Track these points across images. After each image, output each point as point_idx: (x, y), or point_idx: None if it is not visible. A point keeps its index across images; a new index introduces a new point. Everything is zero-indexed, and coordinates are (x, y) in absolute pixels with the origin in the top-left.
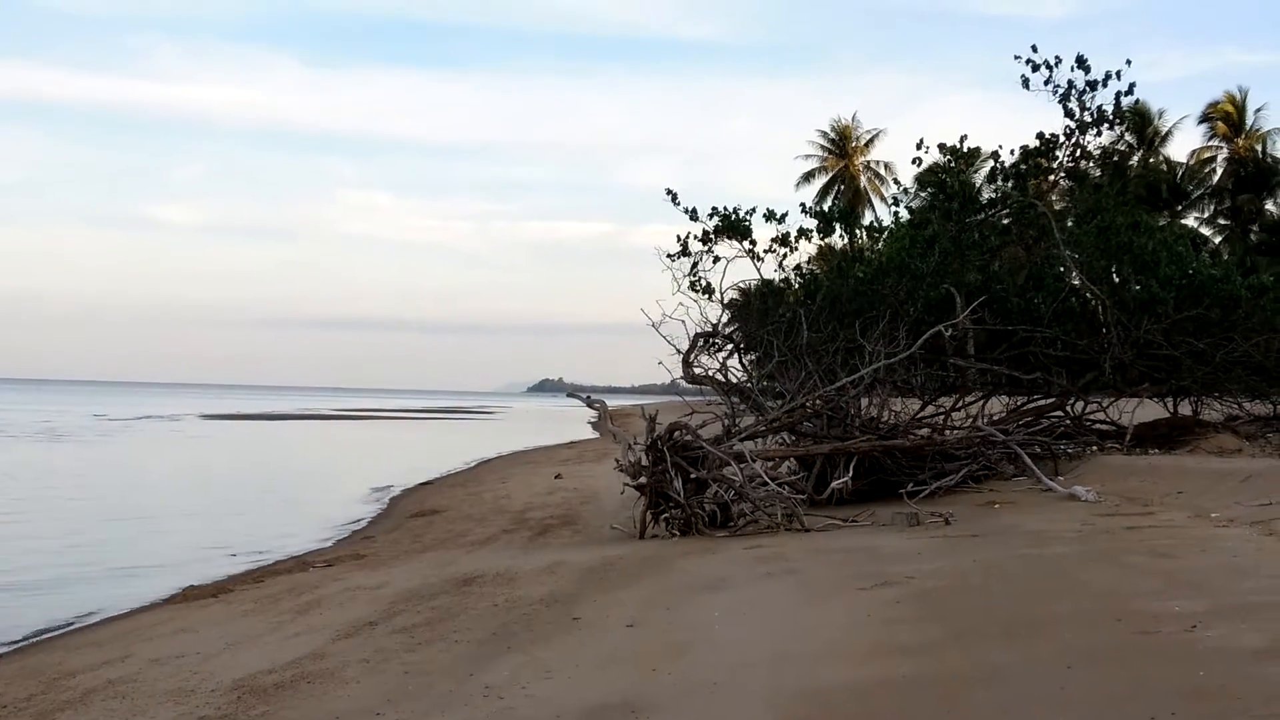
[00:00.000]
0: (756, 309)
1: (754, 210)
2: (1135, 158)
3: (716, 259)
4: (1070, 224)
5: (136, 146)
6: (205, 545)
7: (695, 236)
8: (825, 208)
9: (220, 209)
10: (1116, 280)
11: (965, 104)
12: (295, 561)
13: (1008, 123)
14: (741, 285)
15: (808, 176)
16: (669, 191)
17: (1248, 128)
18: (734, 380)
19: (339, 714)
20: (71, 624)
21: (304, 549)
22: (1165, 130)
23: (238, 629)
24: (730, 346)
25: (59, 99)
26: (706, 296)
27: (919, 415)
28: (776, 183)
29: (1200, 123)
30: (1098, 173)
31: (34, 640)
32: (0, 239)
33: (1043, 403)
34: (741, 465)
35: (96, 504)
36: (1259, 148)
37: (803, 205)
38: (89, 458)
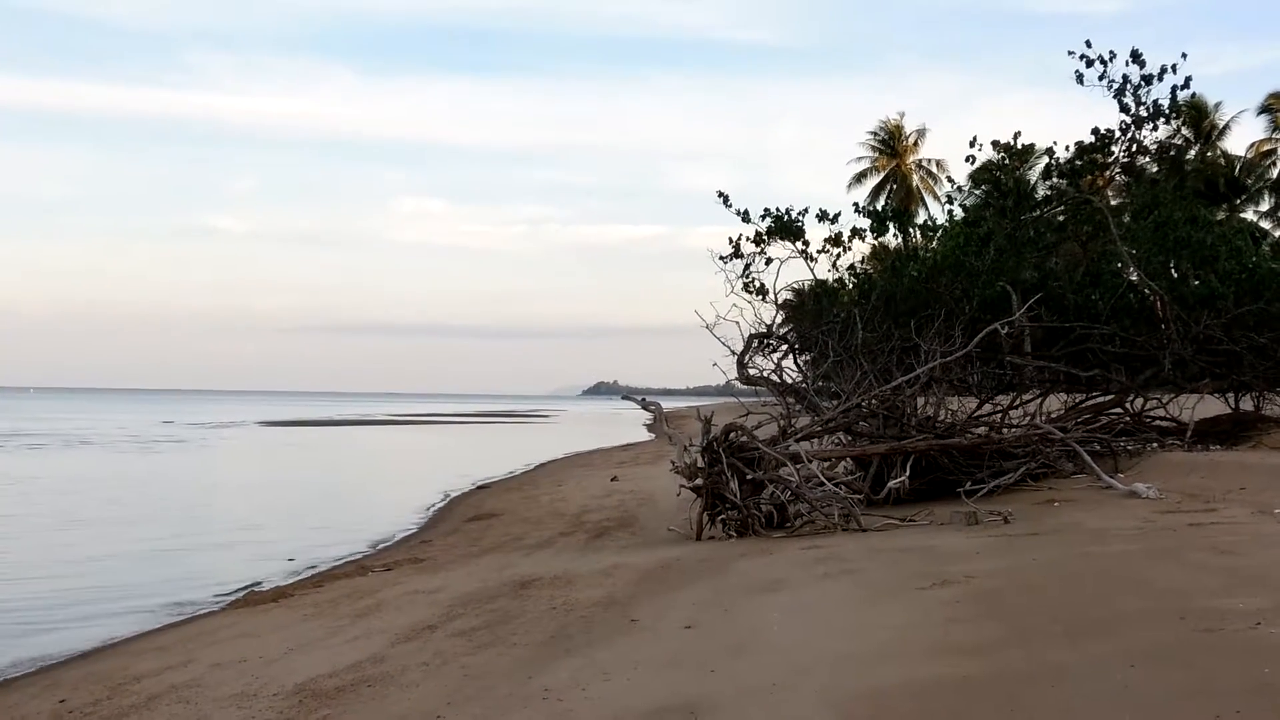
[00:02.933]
0: (810, 309)
1: (806, 211)
2: (1192, 152)
3: (770, 260)
4: (1127, 219)
5: (193, 158)
6: (265, 550)
7: (748, 238)
8: (878, 207)
9: (275, 218)
10: (1175, 275)
11: (1017, 102)
12: (354, 566)
13: (1061, 120)
14: (795, 286)
15: (859, 177)
16: (721, 194)
17: None
18: (789, 381)
19: (400, 717)
20: (134, 629)
21: (362, 553)
22: (1223, 124)
23: (298, 633)
24: (785, 347)
25: (117, 114)
26: (760, 298)
27: (976, 414)
28: (828, 184)
29: (1260, 114)
30: (1154, 168)
31: (99, 645)
32: (61, 252)
33: (1102, 400)
34: (798, 466)
35: (157, 511)
36: None
37: (855, 205)
38: (151, 465)
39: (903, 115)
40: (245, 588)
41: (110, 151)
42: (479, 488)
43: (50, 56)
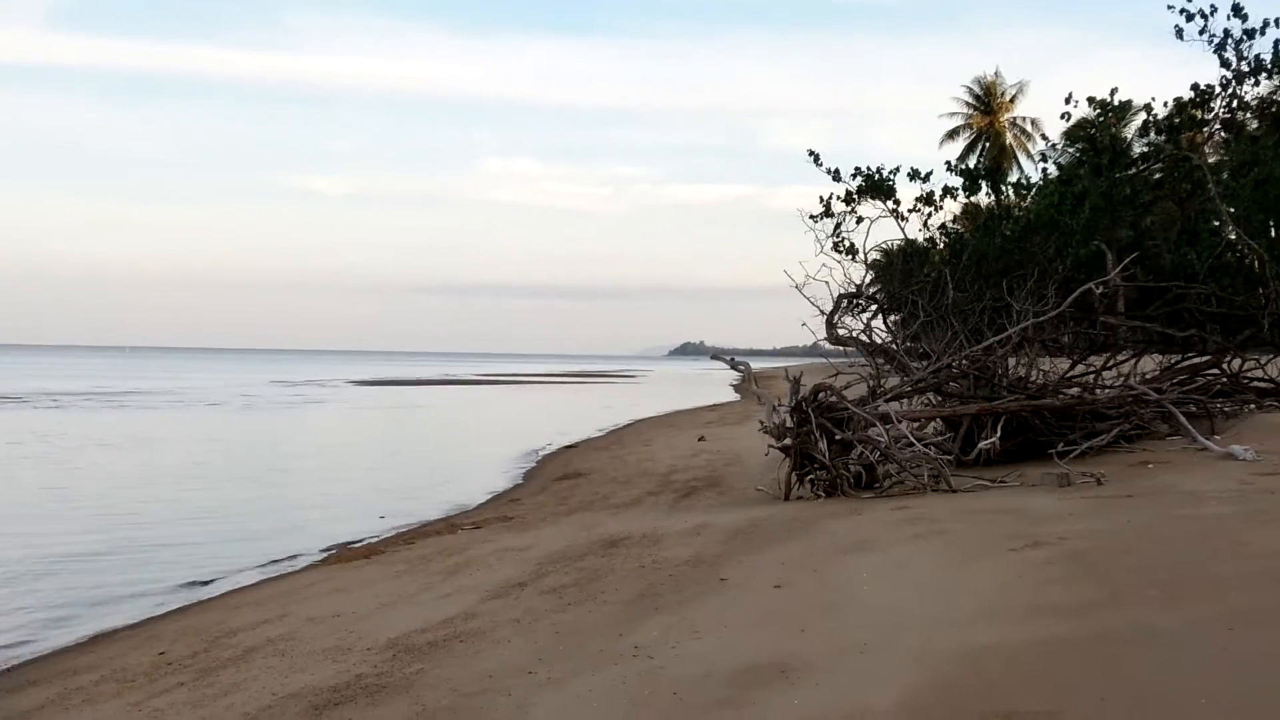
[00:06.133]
0: (900, 269)
1: (897, 170)
2: None
3: (860, 219)
4: (1226, 177)
5: (291, 120)
6: (357, 507)
7: (838, 197)
8: (970, 165)
9: (369, 179)
10: (1275, 234)
11: (1114, 58)
12: (444, 523)
13: (1160, 75)
14: (885, 245)
15: (951, 134)
16: (811, 153)
17: None
18: (878, 341)
19: (491, 672)
20: (231, 584)
21: (452, 511)
22: None
23: (390, 589)
24: (874, 307)
25: (217, 77)
26: (850, 257)
27: (1068, 374)
28: (920, 143)
29: None
30: (1255, 124)
31: (196, 600)
32: (160, 214)
33: (1198, 360)
34: (887, 426)
35: (247, 469)
36: None
37: (947, 163)
38: (240, 424)
39: (998, 70)
40: (338, 544)
41: (210, 113)
42: (567, 447)
43: (150, 18)
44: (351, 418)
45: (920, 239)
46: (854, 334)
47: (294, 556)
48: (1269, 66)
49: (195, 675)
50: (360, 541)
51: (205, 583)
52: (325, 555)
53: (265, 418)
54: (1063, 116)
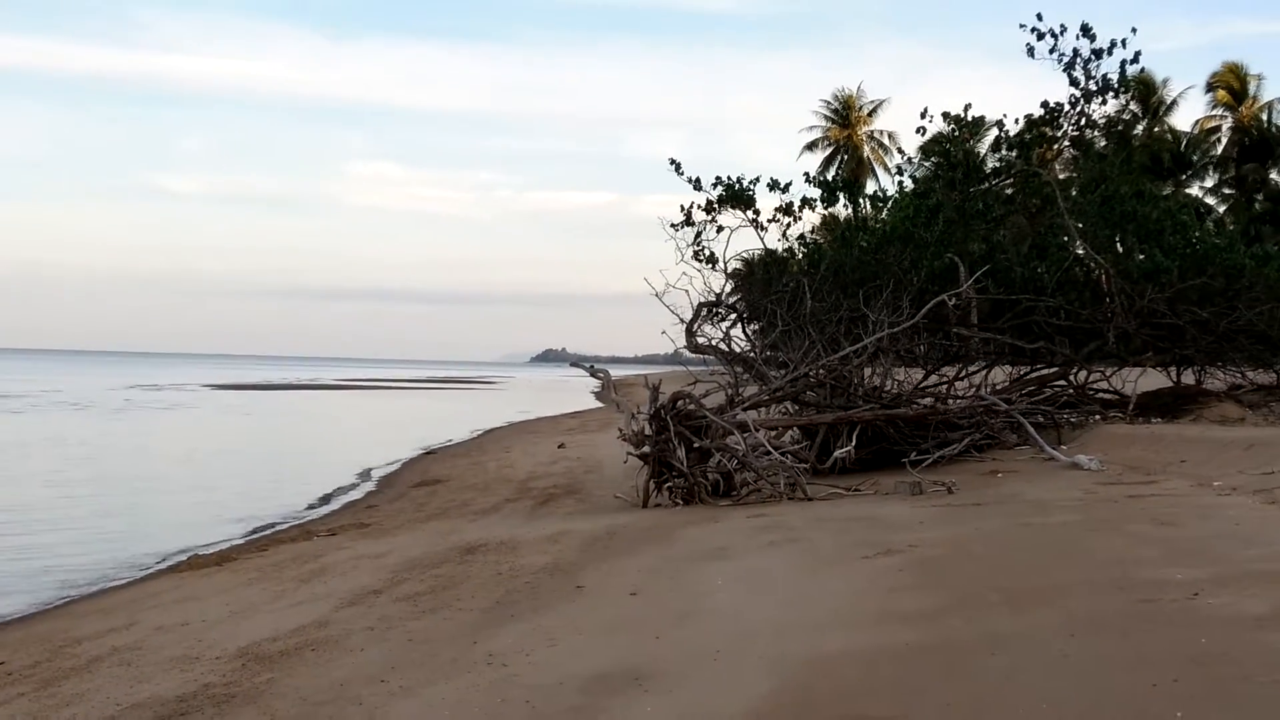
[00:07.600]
0: (760, 278)
1: (758, 180)
2: (1139, 127)
3: (720, 229)
4: (1074, 193)
5: (144, 118)
6: (208, 514)
7: (699, 206)
8: (829, 177)
9: (229, 181)
10: (1120, 249)
11: (973, 76)
12: (299, 530)
13: (1016, 94)
14: (745, 255)
15: (810, 146)
16: (672, 161)
17: (1250, 97)
18: (737, 350)
19: (343, 681)
20: (77, 592)
21: (307, 518)
22: (1170, 100)
23: (242, 597)
24: (734, 316)
25: (65, 71)
26: (710, 266)
27: (922, 384)
28: (782, 154)
29: (1206, 92)
30: (1102, 142)
31: (40, 608)
32: (8, 212)
33: (1046, 372)
34: (745, 434)
35: (100, 474)
36: (1264, 117)
37: (806, 175)
38: (96, 429)
39: (859, 85)
40: (190, 551)
41: (54, 110)
42: (426, 453)
43: None
44: (211, 423)
45: (779, 249)
46: (713, 342)
47: (143, 564)
48: (1116, 86)
49: (36, 685)
50: (212, 548)
51: (49, 590)
52: (176, 562)
53: (127, 423)
54: (918, 131)
